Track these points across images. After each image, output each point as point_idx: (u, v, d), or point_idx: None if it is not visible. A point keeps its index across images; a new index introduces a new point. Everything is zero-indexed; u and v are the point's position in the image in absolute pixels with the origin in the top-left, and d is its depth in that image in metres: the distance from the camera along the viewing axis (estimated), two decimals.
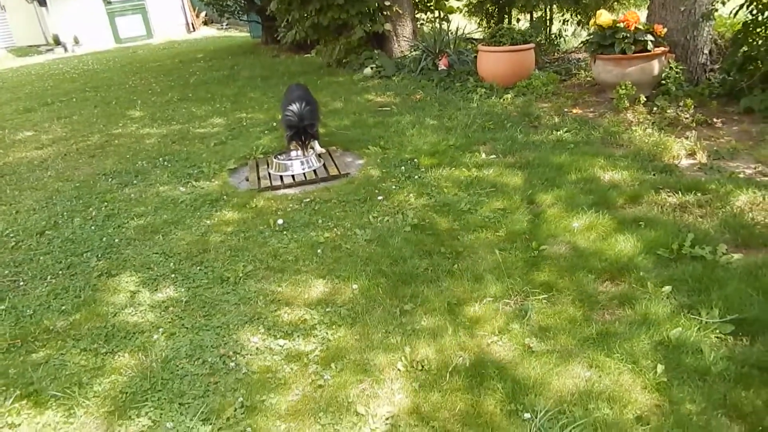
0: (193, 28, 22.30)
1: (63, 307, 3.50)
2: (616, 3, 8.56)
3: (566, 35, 9.47)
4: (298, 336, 3.04)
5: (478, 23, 10.54)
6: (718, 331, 2.71)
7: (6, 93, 11.76)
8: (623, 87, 5.99)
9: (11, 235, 4.62)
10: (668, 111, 5.73)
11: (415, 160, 5.28)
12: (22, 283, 3.84)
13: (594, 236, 3.69)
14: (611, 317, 2.95)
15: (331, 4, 9.49)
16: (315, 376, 2.74)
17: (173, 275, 3.76)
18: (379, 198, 4.59)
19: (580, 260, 3.43)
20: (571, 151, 5.10)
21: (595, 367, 2.61)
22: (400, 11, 9.85)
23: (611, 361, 2.62)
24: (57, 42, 20.40)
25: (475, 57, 8.10)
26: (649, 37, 6.06)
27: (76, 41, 20.22)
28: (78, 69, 14.59)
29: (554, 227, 3.84)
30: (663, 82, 6.15)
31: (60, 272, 3.94)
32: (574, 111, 6.36)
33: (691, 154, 4.88)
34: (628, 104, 6.00)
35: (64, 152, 6.86)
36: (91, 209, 4.97)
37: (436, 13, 11.31)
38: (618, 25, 6.18)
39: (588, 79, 7.46)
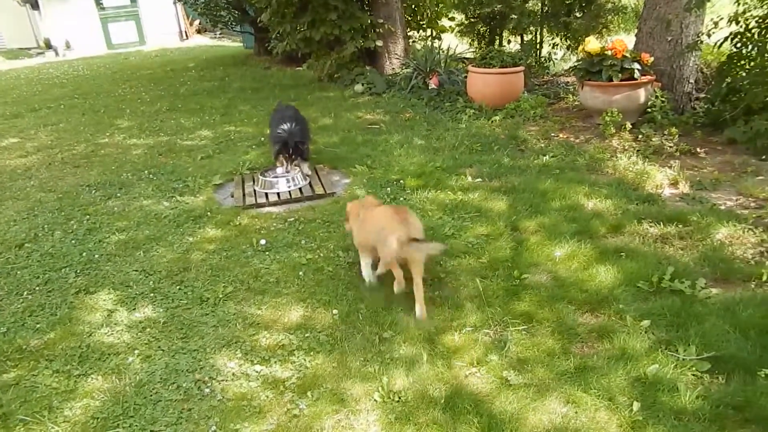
0: (186, 36, 22.29)
1: (38, 326, 3.44)
2: (604, 30, 8.67)
3: (555, 59, 9.57)
4: (276, 362, 3.01)
5: (470, 43, 10.63)
6: (694, 368, 2.72)
7: None
8: (609, 114, 6.05)
9: None
10: (653, 139, 5.79)
11: (402, 181, 5.29)
12: None
13: (575, 266, 3.70)
14: (590, 351, 2.95)
15: (324, 19, 9.55)
16: (291, 404, 2.71)
17: (152, 294, 3.72)
18: None
19: (560, 290, 3.43)
20: (556, 177, 5.13)
21: (572, 403, 2.60)
22: (393, 29, 9.92)
23: (588, 397, 2.62)
24: (48, 46, 20.32)
25: (466, 77, 8.16)
26: (636, 66, 6.14)
27: (68, 46, 20.14)
28: (68, 74, 14.51)
29: (537, 255, 3.85)
30: (649, 110, 6.23)
31: (37, 288, 3.88)
32: (561, 135, 6.41)
33: (674, 184, 4.93)
34: (614, 131, 6.06)
35: (48, 161, 6.79)
36: (72, 222, 4.91)
37: (429, 32, 11.40)
38: (606, 52, 6.26)
39: (576, 103, 7.54)
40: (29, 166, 6.65)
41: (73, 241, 4.55)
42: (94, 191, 5.64)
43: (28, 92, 12.01)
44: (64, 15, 19.78)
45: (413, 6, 11.08)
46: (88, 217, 5.01)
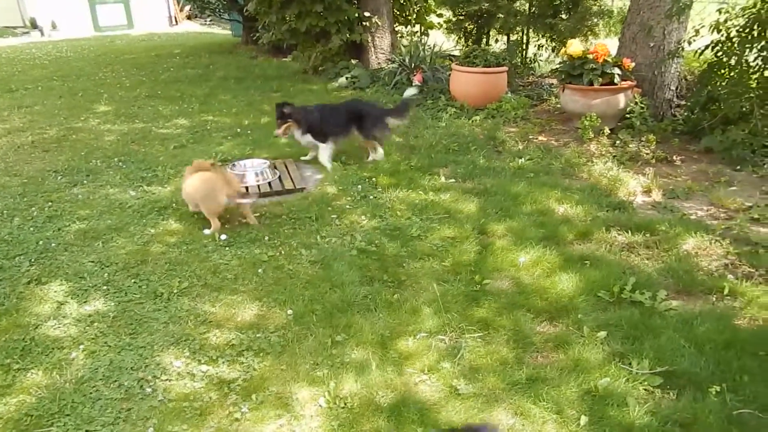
0: (176, 22, 22.00)
1: None
2: (590, 33, 8.62)
3: (541, 60, 9.51)
4: (224, 362, 2.93)
5: (457, 41, 10.54)
6: (646, 383, 2.68)
7: None
8: (588, 118, 6.01)
9: None
10: (630, 145, 5.76)
11: (374, 179, 5.21)
12: None
13: (539, 272, 3.65)
14: (544, 361, 2.90)
15: (310, 10, 9.42)
16: (233, 407, 2.63)
17: (105, 287, 3.61)
18: (332, 217, 4.51)
19: (521, 297, 3.38)
20: (530, 181, 5.08)
21: (520, 415, 2.55)
22: (380, 23, 9.80)
23: (536, 409, 2.56)
24: (34, 25, 19.92)
25: (450, 75, 8.08)
26: (617, 71, 6.10)
27: (54, 26, 19.80)
28: (51, 55, 14.24)
29: (501, 261, 3.79)
30: (628, 116, 6.19)
31: None
32: (540, 138, 6.36)
33: (647, 192, 4.90)
34: (592, 135, 6.02)
35: (18, 144, 6.63)
36: (33, 209, 4.78)
37: (417, 27, 11.29)
38: (587, 56, 6.21)
39: (558, 106, 7.49)
40: None
41: (31, 229, 4.43)
42: (60, 177, 5.51)
43: (7, 72, 11.75)
44: None
45: (401, 1, 10.96)
46: (50, 203, 4.88)
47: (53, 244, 4.17)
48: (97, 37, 19.11)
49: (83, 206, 4.83)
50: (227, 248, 4.05)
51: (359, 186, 5.07)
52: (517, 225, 4.28)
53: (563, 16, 8.71)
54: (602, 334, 3.01)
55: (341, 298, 3.39)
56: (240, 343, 3.06)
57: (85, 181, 5.39)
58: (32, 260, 3.96)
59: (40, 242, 4.20)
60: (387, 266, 3.76)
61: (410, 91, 5.90)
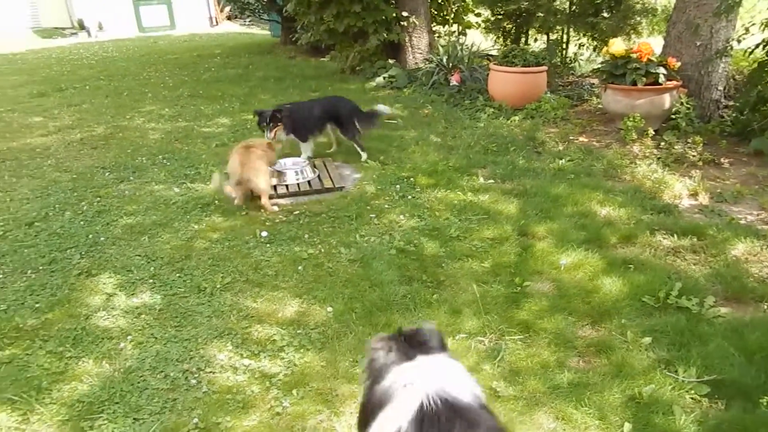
0: (216, 22, 22.42)
1: (37, 305, 3.47)
2: (633, 32, 8.43)
3: (581, 59, 9.35)
4: (265, 357, 2.98)
5: (495, 40, 10.45)
6: (693, 391, 2.61)
7: (24, 75, 11.87)
8: (631, 119, 5.88)
9: (0, 223, 4.61)
10: (675, 147, 5.61)
11: (412, 178, 5.22)
12: (1, 276, 3.82)
13: (581, 276, 3.59)
14: (586, 365, 2.86)
15: (348, 11, 9.49)
16: (275, 401, 2.68)
17: (152, 280, 3.72)
18: (371, 216, 4.53)
19: (562, 301, 3.34)
20: (571, 182, 5.00)
21: (561, 419, 2.52)
22: (417, 23, 9.80)
23: (578, 414, 2.53)
24: (81, 26, 20.60)
25: (488, 75, 8.02)
26: (662, 70, 5.96)
27: (100, 27, 20.42)
28: (97, 56, 14.70)
29: (541, 263, 3.75)
30: (673, 116, 6.03)
31: (41, 267, 3.92)
32: (580, 139, 6.26)
33: (694, 195, 4.77)
34: (635, 136, 5.89)
35: (68, 141, 6.88)
36: (83, 203, 4.96)
37: (454, 27, 11.23)
38: (630, 55, 6.08)
39: (599, 106, 7.35)
40: (48, 145, 6.74)
41: (81, 223, 4.59)
42: (108, 173, 5.69)
43: (56, 72, 12.19)
44: None
45: (439, 0, 10.93)
46: (99, 199, 5.05)
47: (102, 238, 4.32)
48: (140, 37, 19.64)
49: (130, 202, 4.98)
50: (268, 245, 4.11)
51: (398, 186, 5.08)
52: (558, 227, 4.22)
53: (605, 15, 8.54)
54: (647, 339, 2.94)
55: (380, 296, 3.41)
56: (281, 339, 3.11)
57: (131, 178, 5.55)
58: (82, 253, 4.11)
59: (90, 236, 4.35)
60: (426, 266, 3.76)
61: (382, 108, 6.20)
